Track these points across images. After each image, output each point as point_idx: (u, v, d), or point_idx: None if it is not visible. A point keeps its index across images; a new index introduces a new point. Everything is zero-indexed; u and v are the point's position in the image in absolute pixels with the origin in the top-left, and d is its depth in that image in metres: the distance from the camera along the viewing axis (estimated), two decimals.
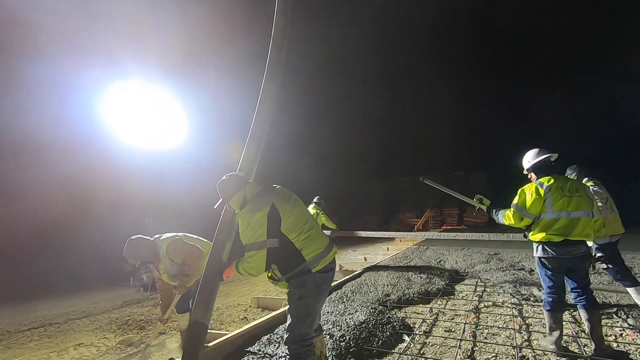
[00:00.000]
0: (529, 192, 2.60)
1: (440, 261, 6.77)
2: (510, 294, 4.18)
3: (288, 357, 1.97)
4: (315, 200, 7.38)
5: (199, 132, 13.32)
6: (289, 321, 1.96)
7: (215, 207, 2.27)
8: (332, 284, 5.13)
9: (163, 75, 12.18)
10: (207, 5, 13.86)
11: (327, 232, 7.37)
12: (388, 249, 10.53)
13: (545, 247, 2.53)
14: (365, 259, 9.30)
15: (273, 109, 2.64)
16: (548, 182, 2.57)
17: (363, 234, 7.86)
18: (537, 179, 2.68)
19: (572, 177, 2.99)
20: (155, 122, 11.96)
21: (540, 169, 2.70)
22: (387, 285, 4.65)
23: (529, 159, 2.78)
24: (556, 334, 2.54)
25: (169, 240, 2.97)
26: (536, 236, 2.56)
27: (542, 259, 2.57)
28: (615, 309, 3.42)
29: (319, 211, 7.25)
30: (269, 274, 2.08)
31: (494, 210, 2.97)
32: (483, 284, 4.85)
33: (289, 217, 1.96)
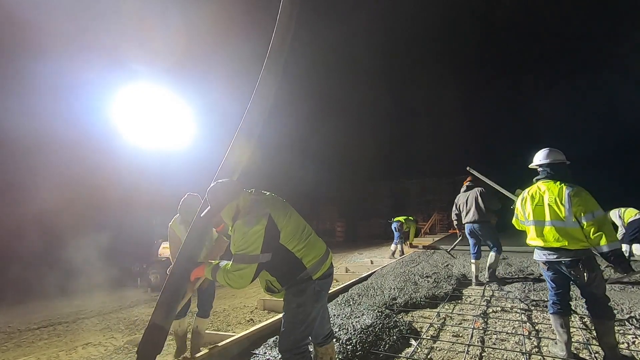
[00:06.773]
0: (519, 199, 2.77)
1: (447, 265, 6.70)
2: (519, 300, 4.12)
3: None
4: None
5: (207, 132, 13.40)
6: (282, 328, 1.90)
7: (201, 215, 2.14)
8: (339, 287, 5.12)
9: (170, 75, 12.31)
10: (213, 4, 13.97)
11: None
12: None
13: (536, 250, 2.65)
14: (372, 262, 9.28)
15: (269, 104, 2.41)
16: (530, 189, 2.70)
17: None
18: None
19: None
20: (162, 122, 12.08)
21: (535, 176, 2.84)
22: (394, 288, 4.62)
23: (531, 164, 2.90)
24: (564, 338, 2.50)
25: None
26: (528, 240, 2.72)
27: (538, 262, 2.67)
28: (627, 316, 3.35)
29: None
30: (265, 286, 2.00)
31: None
32: (491, 288, 4.79)
33: (287, 227, 1.88)
